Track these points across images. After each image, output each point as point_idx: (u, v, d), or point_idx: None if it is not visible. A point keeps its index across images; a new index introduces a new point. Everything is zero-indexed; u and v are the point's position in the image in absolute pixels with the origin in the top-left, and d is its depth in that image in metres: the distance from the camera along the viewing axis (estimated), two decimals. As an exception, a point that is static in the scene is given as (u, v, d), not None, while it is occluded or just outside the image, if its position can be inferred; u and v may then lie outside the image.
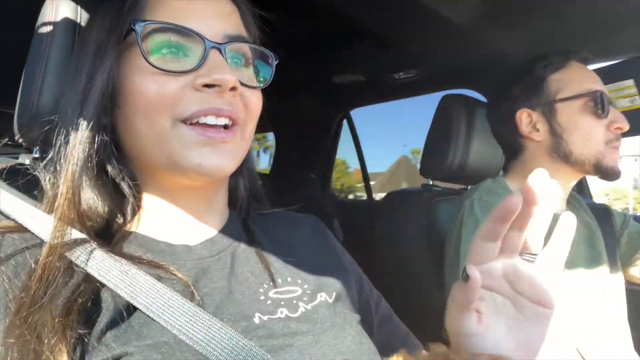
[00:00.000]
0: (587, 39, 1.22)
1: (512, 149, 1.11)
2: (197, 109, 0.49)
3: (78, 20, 0.60)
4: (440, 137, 1.21)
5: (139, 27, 0.49)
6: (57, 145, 0.52)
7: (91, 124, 0.50)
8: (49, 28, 0.60)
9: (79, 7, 0.60)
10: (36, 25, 0.62)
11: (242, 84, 0.53)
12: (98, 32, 0.53)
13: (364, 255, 0.93)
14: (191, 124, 0.50)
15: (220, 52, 0.51)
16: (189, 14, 0.51)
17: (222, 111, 0.50)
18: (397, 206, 1.28)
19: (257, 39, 0.61)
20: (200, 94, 0.50)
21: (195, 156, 0.50)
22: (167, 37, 0.50)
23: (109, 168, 0.53)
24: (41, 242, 0.48)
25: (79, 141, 0.50)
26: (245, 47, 0.56)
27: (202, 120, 0.50)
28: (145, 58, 0.49)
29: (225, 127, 0.51)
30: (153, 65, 0.49)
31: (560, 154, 1.02)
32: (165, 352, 0.44)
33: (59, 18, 0.60)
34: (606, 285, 1.03)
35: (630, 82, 1.23)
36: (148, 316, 0.45)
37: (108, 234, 0.52)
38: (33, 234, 0.49)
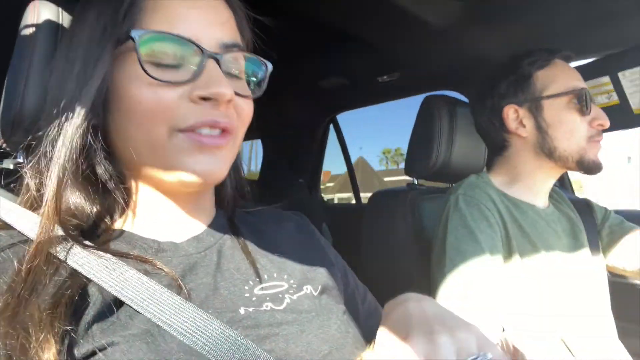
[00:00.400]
0: (564, 37, 1.25)
1: (497, 145, 1.13)
2: (194, 122, 0.50)
3: (60, 22, 0.60)
4: (423, 137, 1.23)
5: (137, 36, 0.48)
6: (45, 147, 0.51)
7: (82, 128, 0.49)
8: (31, 31, 0.60)
9: (60, 9, 0.60)
10: (19, 29, 0.62)
11: (236, 94, 0.53)
12: (91, 35, 0.51)
13: (353, 256, 0.94)
14: (186, 132, 0.50)
15: (217, 61, 0.51)
16: (186, 21, 0.51)
17: (218, 124, 0.51)
18: (383, 206, 1.29)
19: (251, 43, 0.61)
20: (197, 106, 0.50)
21: (190, 162, 0.50)
22: (165, 45, 0.49)
23: (99, 170, 0.53)
24: (28, 239, 0.48)
25: (69, 144, 0.49)
26: (240, 55, 0.56)
27: (198, 130, 0.50)
28: (143, 69, 0.48)
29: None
30: (151, 76, 0.48)
31: (545, 149, 1.04)
32: (151, 342, 0.44)
33: (41, 21, 0.60)
34: (589, 275, 1.05)
35: (606, 79, 1.26)
36: (134, 309, 0.45)
37: (95, 232, 0.52)
38: (19, 231, 0.49)
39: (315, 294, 0.58)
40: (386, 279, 1.20)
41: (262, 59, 0.58)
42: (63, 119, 0.50)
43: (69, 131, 0.49)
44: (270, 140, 2.64)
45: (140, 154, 0.51)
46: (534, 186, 1.10)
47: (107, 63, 0.49)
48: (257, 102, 0.59)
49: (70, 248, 0.47)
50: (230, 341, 0.45)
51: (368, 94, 2.07)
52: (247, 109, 0.56)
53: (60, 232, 0.48)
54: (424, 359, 0.36)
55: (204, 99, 0.50)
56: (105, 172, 0.53)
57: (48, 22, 0.60)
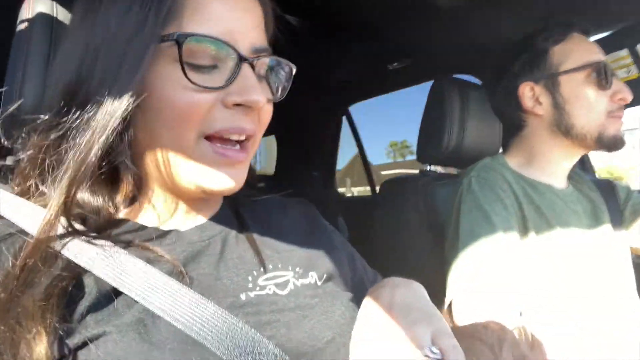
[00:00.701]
0: (579, 11, 1.20)
1: (514, 124, 1.10)
2: (223, 127, 0.49)
3: (55, 15, 0.60)
4: (434, 122, 1.20)
5: (183, 39, 0.46)
6: (64, 140, 0.48)
7: (115, 124, 0.46)
8: (27, 26, 0.61)
9: (54, 3, 0.61)
10: (16, 25, 0.63)
11: None
12: (126, 24, 0.47)
13: (368, 247, 0.92)
14: (212, 137, 0.50)
15: (251, 66, 0.50)
16: (226, 23, 0.50)
17: (246, 131, 0.51)
18: (396, 193, 1.27)
19: (272, 37, 0.60)
20: (229, 111, 0.50)
21: (212, 173, 0.50)
22: (204, 47, 0.48)
23: (122, 168, 0.51)
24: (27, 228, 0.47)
25: (98, 139, 0.46)
26: (268, 59, 0.55)
27: (224, 135, 0.50)
28: (186, 76, 0.46)
29: (241, 142, 0.52)
30: (193, 82, 0.47)
31: (562, 127, 1.00)
32: (143, 332, 0.44)
33: (36, 16, 0.60)
34: (612, 255, 1.01)
35: (624, 52, 1.21)
36: (131, 298, 0.45)
37: (98, 221, 0.52)
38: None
39: (320, 282, 0.57)
40: (400, 266, 1.18)
41: (286, 61, 0.56)
42: (93, 112, 0.46)
43: (102, 126, 0.46)
44: (285, 135, 2.63)
45: (165, 155, 0.50)
46: (550, 166, 1.06)
47: (149, 60, 0.46)
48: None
49: (68, 239, 0.47)
50: (227, 325, 0.44)
51: (380, 83, 2.04)
52: (268, 112, 0.56)
53: (63, 221, 0.47)
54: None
55: (237, 104, 0.49)
56: (128, 173, 0.51)
57: (43, 17, 0.60)
